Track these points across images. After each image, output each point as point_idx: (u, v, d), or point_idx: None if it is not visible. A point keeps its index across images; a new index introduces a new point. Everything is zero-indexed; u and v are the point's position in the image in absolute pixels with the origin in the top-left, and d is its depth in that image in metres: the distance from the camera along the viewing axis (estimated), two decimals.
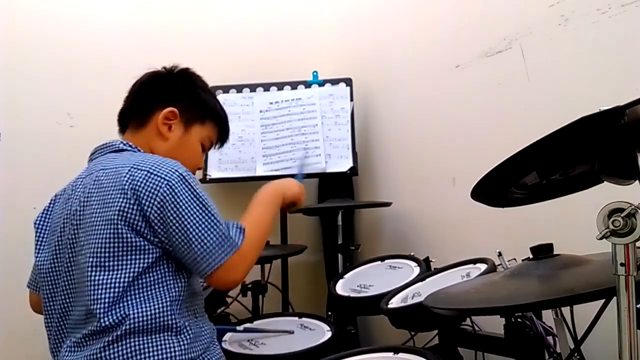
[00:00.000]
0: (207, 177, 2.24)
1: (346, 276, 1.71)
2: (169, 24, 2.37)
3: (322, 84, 2.37)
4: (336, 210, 2.08)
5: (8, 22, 2.16)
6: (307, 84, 2.37)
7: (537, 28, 1.52)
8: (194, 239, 1.13)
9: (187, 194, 1.15)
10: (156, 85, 1.37)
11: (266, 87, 2.37)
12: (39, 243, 1.29)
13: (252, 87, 2.38)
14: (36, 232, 1.30)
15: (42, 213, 1.32)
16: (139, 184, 1.15)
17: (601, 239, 0.73)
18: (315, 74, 2.38)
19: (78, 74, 2.20)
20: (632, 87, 1.24)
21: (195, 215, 1.14)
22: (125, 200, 1.14)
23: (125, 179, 1.16)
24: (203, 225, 1.14)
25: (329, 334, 1.50)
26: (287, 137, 2.28)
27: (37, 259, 1.27)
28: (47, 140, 2.16)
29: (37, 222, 1.31)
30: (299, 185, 1.48)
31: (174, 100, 1.35)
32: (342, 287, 1.63)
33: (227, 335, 1.58)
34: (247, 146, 2.29)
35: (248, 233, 1.21)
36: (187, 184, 1.17)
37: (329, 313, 1.74)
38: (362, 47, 2.45)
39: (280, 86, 2.37)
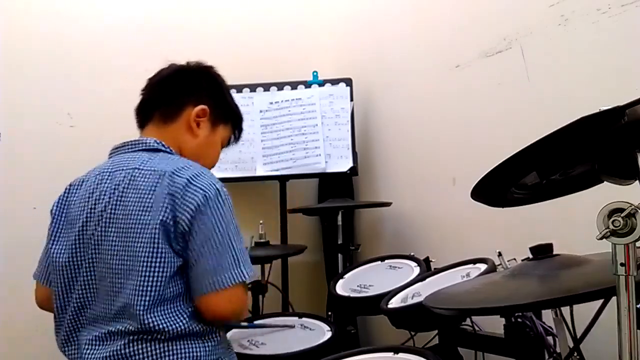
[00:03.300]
0: None
1: (346, 276, 1.71)
2: (169, 24, 2.37)
3: (322, 84, 2.37)
4: (336, 210, 2.08)
5: (8, 22, 2.16)
6: (307, 84, 2.37)
7: (537, 28, 1.52)
8: (207, 255, 1.14)
9: (217, 211, 1.16)
10: (186, 80, 1.36)
11: (266, 87, 2.37)
12: (55, 233, 1.26)
13: (252, 87, 2.38)
14: (52, 220, 1.27)
15: (58, 202, 1.29)
16: (177, 190, 1.15)
17: (601, 239, 0.73)
18: (315, 74, 2.38)
19: (78, 74, 2.20)
20: (632, 87, 1.24)
21: (216, 233, 1.15)
22: (164, 209, 1.14)
23: (166, 184, 1.16)
24: (219, 245, 1.15)
25: (329, 334, 1.50)
26: (287, 137, 2.28)
27: (52, 250, 1.25)
28: (47, 140, 2.16)
29: (54, 210, 1.28)
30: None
31: (203, 98, 1.35)
32: (342, 287, 1.63)
33: (228, 335, 1.58)
34: (247, 146, 2.29)
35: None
36: (221, 200, 1.18)
37: (329, 313, 1.73)
38: (362, 47, 2.45)
39: (280, 86, 2.37)
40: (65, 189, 1.30)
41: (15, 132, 2.13)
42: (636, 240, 0.71)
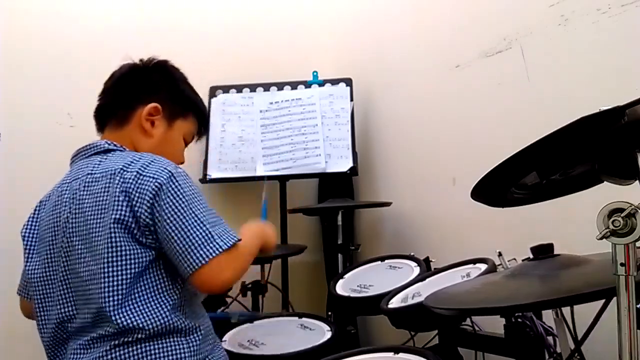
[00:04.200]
0: (207, 177, 2.24)
1: (346, 276, 1.71)
2: (169, 24, 2.37)
3: (322, 84, 2.37)
4: (336, 210, 2.08)
5: (8, 22, 2.16)
6: (307, 84, 2.37)
7: (537, 28, 1.51)
8: (175, 238, 1.12)
9: (173, 193, 1.14)
10: (136, 80, 1.34)
11: (266, 87, 2.37)
12: (28, 252, 1.27)
13: (252, 87, 2.38)
14: (24, 241, 1.28)
15: (28, 221, 1.29)
16: (129, 185, 1.14)
17: (601, 239, 0.73)
18: (315, 74, 2.38)
19: (78, 74, 2.20)
20: (632, 87, 1.24)
21: (178, 215, 1.13)
22: (119, 206, 1.13)
23: (117, 182, 1.15)
24: (185, 225, 1.13)
25: (329, 334, 1.50)
26: (287, 137, 2.28)
27: (27, 267, 1.26)
28: (47, 140, 2.16)
29: (24, 231, 1.28)
30: (274, 235, 1.44)
31: (155, 95, 1.32)
32: (342, 287, 1.63)
33: (227, 336, 1.58)
34: (247, 146, 2.29)
35: (242, 243, 1.18)
36: (175, 182, 1.15)
37: (329, 313, 1.74)
38: (362, 47, 2.45)
39: (280, 86, 2.37)
40: (35, 207, 1.31)
41: (15, 132, 2.13)
42: (636, 240, 0.71)
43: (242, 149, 2.29)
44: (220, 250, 1.13)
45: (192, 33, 2.37)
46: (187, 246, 1.12)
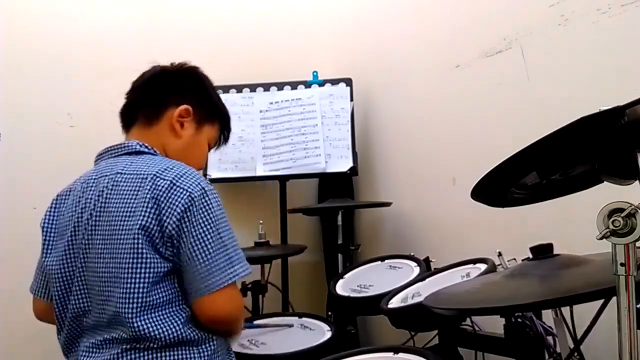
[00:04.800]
0: (207, 177, 2.24)
1: (346, 276, 1.71)
2: (169, 24, 2.37)
3: (322, 84, 2.37)
4: (336, 210, 2.08)
5: (8, 22, 2.16)
6: (307, 84, 2.37)
7: (537, 28, 1.51)
8: (199, 257, 1.13)
9: (204, 211, 1.14)
10: (168, 81, 1.35)
11: (266, 87, 2.37)
12: (47, 245, 1.25)
13: (252, 87, 2.38)
14: (43, 234, 1.27)
15: (48, 214, 1.28)
16: (161, 194, 1.14)
17: (601, 239, 0.73)
18: (315, 74, 2.38)
19: (78, 74, 2.20)
20: (632, 87, 1.24)
21: (206, 235, 1.13)
22: (147, 213, 1.12)
23: (148, 187, 1.14)
24: (212, 246, 1.13)
25: (329, 334, 1.50)
26: (287, 137, 2.28)
27: (45, 261, 1.25)
28: (47, 140, 2.17)
29: (44, 224, 1.27)
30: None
31: (186, 98, 1.33)
32: (342, 287, 1.63)
33: None
34: (247, 146, 2.29)
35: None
36: (207, 199, 1.16)
37: (329, 313, 1.74)
38: (362, 47, 2.45)
39: (280, 86, 2.37)
40: (53, 200, 1.30)
41: (15, 132, 2.13)
42: (636, 240, 0.71)
43: (242, 149, 2.29)
44: (236, 276, 1.16)
45: (192, 33, 2.37)
46: (208, 268, 1.13)
